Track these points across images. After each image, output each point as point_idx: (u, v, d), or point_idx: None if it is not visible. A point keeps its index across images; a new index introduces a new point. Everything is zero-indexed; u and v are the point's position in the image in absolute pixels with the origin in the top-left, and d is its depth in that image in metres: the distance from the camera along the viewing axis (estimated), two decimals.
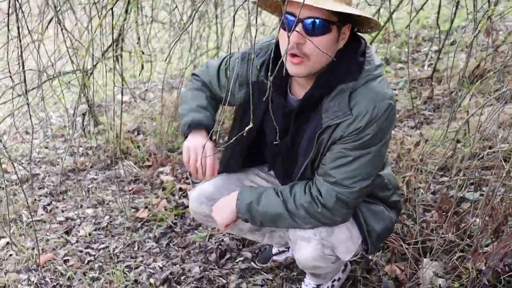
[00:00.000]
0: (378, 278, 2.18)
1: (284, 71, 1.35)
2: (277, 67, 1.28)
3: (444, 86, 3.31)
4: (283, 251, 2.40)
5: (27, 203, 2.29)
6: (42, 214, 3.02)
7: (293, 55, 1.51)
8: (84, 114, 3.19)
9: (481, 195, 2.37)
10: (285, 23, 1.46)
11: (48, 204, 3.13)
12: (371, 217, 1.82)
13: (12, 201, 3.13)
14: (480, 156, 2.53)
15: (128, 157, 3.49)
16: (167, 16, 3.73)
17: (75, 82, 2.99)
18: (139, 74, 1.55)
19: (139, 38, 1.57)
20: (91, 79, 2.80)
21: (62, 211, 3.05)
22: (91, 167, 3.48)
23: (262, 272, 2.37)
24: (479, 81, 2.10)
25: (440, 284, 2.05)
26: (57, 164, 3.54)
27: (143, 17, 3.70)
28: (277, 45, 1.60)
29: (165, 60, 1.64)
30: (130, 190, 3.12)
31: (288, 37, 1.27)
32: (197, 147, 1.80)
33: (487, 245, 2.10)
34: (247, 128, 1.35)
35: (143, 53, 1.53)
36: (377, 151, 1.61)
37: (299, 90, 1.71)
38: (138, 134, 3.79)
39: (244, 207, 1.76)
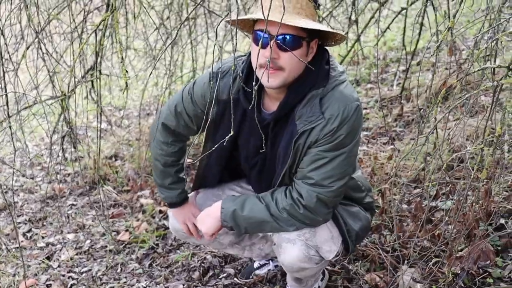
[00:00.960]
0: (359, 287, 2.25)
1: (254, 84, 1.42)
2: (255, 81, 1.39)
3: (413, 104, 3.46)
4: (264, 264, 2.46)
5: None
6: (22, 241, 3.02)
7: (267, 67, 1.61)
8: (63, 137, 3.22)
9: (453, 203, 2.48)
10: (258, 40, 1.59)
11: (28, 231, 3.14)
12: (349, 218, 1.93)
13: None
14: (450, 167, 2.65)
15: (107, 182, 3.52)
16: (141, 44, 3.82)
17: (51, 110, 3.03)
18: (123, 92, 1.63)
19: (122, 58, 1.64)
20: (71, 102, 2.85)
21: (43, 237, 3.06)
22: (70, 193, 3.50)
23: (245, 287, 2.42)
24: (442, 97, 2.23)
25: None
26: (35, 192, 3.55)
27: (117, 44, 3.77)
28: (250, 62, 1.74)
29: (144, 87, 1.72)
30: (110, 215, 3.15)
31: (258, 52, 1.44)
32: (185, 219, 2.11)
33: (461, 250, 2.20)
34: (227, 137, 1.46)
35: (127, 71, 1.60)
36: (350, 150, 1.73)
37: (270, 104, 1.81)
38: (116, 160, 3.83)
39: (229, 215, 1.83)
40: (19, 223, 3.21)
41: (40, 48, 2.10)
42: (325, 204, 1.77)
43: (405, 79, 3.54)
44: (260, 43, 1.44)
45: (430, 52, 4.00)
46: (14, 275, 2.68)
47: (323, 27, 1.64)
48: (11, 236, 3.08)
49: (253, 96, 1.36)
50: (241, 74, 1.76)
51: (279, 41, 1.60)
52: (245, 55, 1.86)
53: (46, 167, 3.79)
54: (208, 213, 1.91)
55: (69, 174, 3.72)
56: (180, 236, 2.23)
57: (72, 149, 3.65)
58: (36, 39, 2.04)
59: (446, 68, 3.59)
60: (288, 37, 1.60)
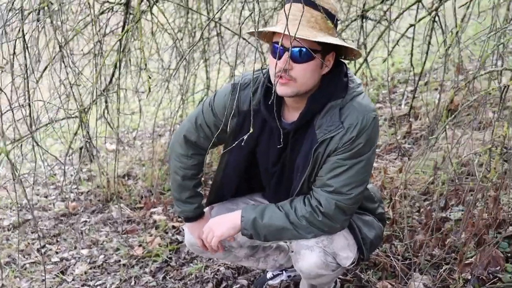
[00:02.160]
0: None
1: (273, 94, 1.55)
2: (274, 93, 1.50)
3: (421, 121, 3.55)
4: (278, 275, 2.51)
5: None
6: (36, 257, 3.09)
7: (281, 77, 1.71)
8: (81, 148, 3.32)
9: (462, 213, 2.55)
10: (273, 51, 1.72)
11: (42, 247, 3.20)
12: (363, 226, 1.99)
13: (6, 245, 3.20)
14: (458, 179, 2.72)
15: (120, 200, 3.60)
16: (155, 65, 3.95)
17: (67, 129, 3.13)
18: (147, 96, 1.72)
19: (145, 65, 1.74)
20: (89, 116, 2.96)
21: (56, 253, 3.13)
22: (83, 211, 3.58)
23: None
24: (453, 115, 2.32)
25: None
26: (49, 210, 3.63)
27: (131, 66, 3.89)
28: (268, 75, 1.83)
29: (157, 108, 1.81)
30: (124, 230, 3.22)
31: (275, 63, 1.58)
32: (201, 234, 2.08)
33: (471, 257, 2.26)
34: (246, 135, 1.54)
35: (150, 77, 1.70)
36: (368, 158, 1.80)
37: (290, 115, 1.89)
38: (128, 178, 3.92)
39: (249, 223, 1.88)
40: (33, 239, 3.28)
41: (63, 61, 2.20)
42: (343, 212, 1.84)
43: (413, 98, 3.64)
44: (277, 54, 1.59)
45: (437, 73, 4.12)
46: None
47: (333, 40, 1.71)
48: (25, 251, 3.15)
49: (273, 103, 1.45)
50: (263, 85, 1.85)
51: (292, 53, 1.68)
52: (265, 68, 1.96)
53: (60, 186, 3.88)
54: (224, 221, 1.96)
55: (82, 193, 3.81)
56: (195, 250, 2.28)
57: (88, 164, 3.74)
58: (60, 53, 2.14)
59: (453, 87, 3.69)
60: (300, 50, 1.69)
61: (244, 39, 2.48)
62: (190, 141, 2.07)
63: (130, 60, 3.87)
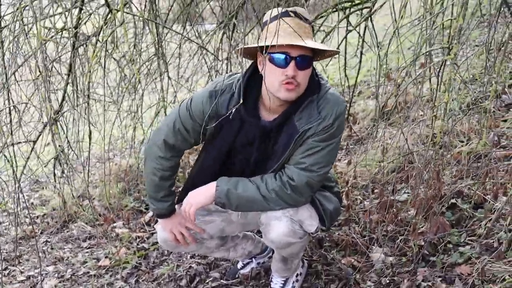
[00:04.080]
0: (338, 269, 2.56)
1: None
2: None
3: (359, 125, 3.91)
4: (248, 263, 2.72)
5: None
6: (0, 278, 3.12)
7: (288, 83, 1.97)
8: (55, 158, 3.40)
9: (408, 195, 2.88)
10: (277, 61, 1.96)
11: (5, 269, 3.23)
12: (323, 200, 2.26)
13: None
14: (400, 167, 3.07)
15: (77, 220, 3.69)
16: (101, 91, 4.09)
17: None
18: (135, 83, 1.90)
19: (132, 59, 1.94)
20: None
21: (21, 272, 3.17)
22: (41, 232, 3.63)
23: (233, 286, 2.66)
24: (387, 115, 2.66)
25: (391, 261, 2.48)
26: (6, 235, 3.65)
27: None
28: (246, 80, 2.08)
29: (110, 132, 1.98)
30: (86, 247, 3.32)
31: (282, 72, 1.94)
32: (172, 228, 2.36)
33: (422, 227, 2.57)
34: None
35: (138, 71, 1.90)
36: (337, 142, 2.11)
37: (267, 115, 2.14)
38: (83, 199, 4.00)
39: (223, 193, 2.11)
40: None
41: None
42: (311, 187, 2.10)
43: (349, 106, 3.99)
44: (286, 63, 1.94)
45: (369, 84, 4.53)
46: None
47: (324, 46, 2.00)
48: None
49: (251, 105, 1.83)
50: (239, 90, 2.08)
51: (297, 62, 1.94)
52: (237, 74, 2.20)
53: (13, 212, 3.90)
54: (200, 191, 2.18)
55: (37, 216, 3.85)
56: (168, 246, 2.46)
57: (38, 191, 3.79)
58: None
59: (385, 93, 4.09)
60: (305, 58, 1.96)
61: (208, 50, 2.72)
62: (169, 144, 2.25)
63: (77, 86, 4.00)
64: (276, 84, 1.98)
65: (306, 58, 1.96)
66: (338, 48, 3.49)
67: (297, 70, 1.96)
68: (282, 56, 1.94)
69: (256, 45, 1.98)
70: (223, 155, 2.23)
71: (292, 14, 1.94)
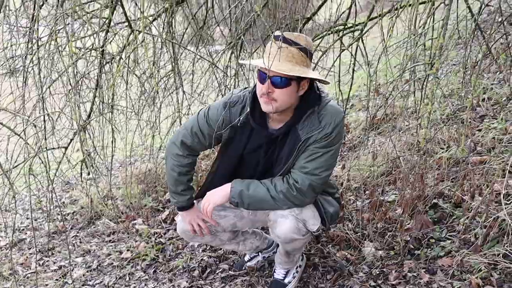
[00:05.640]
0: (333, 261, 2.54)
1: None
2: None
3: (352, 134, 3.90)
4: (254, 256, 2.71)
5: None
6: (35, 267, 3.11)
7: (264, 97, 1.99)
8: (82, 161, 3.41)
9: (395, 196, 2.86)
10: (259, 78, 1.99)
11: (39, 260, 3.23)
12: (325, 203, 2.25)
13: (6, 261, 3.20)
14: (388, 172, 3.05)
15: (102, 217, 3.68)
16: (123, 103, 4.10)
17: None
18: (155, 90, 1.90)
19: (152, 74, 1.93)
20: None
21: (54, 263, 3.16)
22: (71, 228, 3.62)
23: (240, 276, 2.65)
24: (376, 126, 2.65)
25: (380, 254, 2.46)
26: (41, 229, 3.65)
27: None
28: (254, 92, 2.09)
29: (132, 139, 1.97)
30: (110, 241, 3.31)
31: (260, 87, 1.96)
32: (191, 220, 2.38)
33: (408, 224, 2.56)
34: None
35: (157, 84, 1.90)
36: (336, 148, 2.09)
37: (274, 123, 2.15)
38: (107, 199, 3.99)
39: (237, 193, 2.11)
40: (30, 254, 3.30)
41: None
42: (313, 189, 2.09)
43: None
44: (262, 80, 1.94)
45: (360, 98, 4.52)
46: None
47: (302, 73, 1.94)
48: (25, 264, 3.17)
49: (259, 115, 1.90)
50: (250, 102, 2.10)
51: (272, 81, 1.95)
52: (249, 88, 2.21)
53: (46, 210, 3.91)
54: (217, 191, 2.18)
55: (68, 214, 3.85)
56: (186, 236, 2.46)
57: (68, 191, 3.79)
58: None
59: (374, 106, 4.08)
60: (279, 78, 1.95)
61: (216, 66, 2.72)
62: (186, 145, 2.27)
63: (103, 98, 4.01)
64: (259, 97, 2.02)
65: (282, 78, 1.94)
66: (332, 65, 3.51)
67: (272, 88, 1.96)
68: (263, 75, 1.96)
69: (247, 62, 2.16)
70: (235, 160, 2.24)
71: (279, 39, 1.92)
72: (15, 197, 2.08)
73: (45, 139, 2.95)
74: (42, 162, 2.16)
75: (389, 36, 2.20)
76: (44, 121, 3.07)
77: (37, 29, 2.60)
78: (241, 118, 2.07)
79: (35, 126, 2.14)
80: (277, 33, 1.94)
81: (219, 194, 2.17)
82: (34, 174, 2.97)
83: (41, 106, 2.87)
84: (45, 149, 2.87)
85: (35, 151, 2.10)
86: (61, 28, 2.84)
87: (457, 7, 2.68)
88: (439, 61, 1.93)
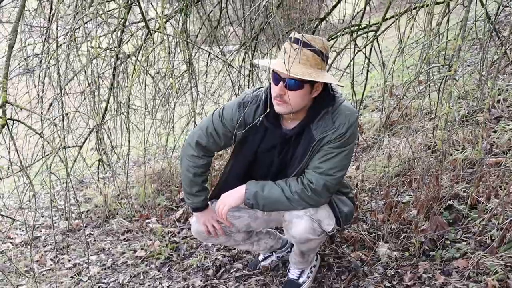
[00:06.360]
0: (348, 262, 2.54)
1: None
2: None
3: (365, 135, 3.89)
4: (268, 256, 2.72)
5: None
6: (51, 265, 3.15)
7: (276, 99, 2.00)
8: (99, 160, 3.44)
9: (410, 197, 2.86)
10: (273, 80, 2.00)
11: (54, 257, 3.26)
12: (340, 203, 2.25)
13: (22, 258, 3.24)
14: (402, 172, 3.05)
15: (116, 216, 3.71)
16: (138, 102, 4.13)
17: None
18: (172, 89, 1.92)
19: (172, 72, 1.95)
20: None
21: (69, 260, 3.19)
22: (86, 226, 3.66)
23: (254, 276, 2.65)
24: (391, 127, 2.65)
25: (395, 255, 2.46)
26: (56, 227, 3.69)
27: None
28: (268, 92, 2.10)
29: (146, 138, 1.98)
30: (124, 239, 3.33)
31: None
32: (206, 221, 2.38)
33: (422, 225, 2.55)
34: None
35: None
36: (350, 148, 2.09)
37: (288, 123, 2.15)
38: (121, 198, 4.02)
39: (252, 194, 2.11)
40: (46, 251, 3.34)
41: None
42: (328, 189, 2.09)
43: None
44: (275, 82, 1.95)
45: (373, 98, 4.51)
46: None
47: (316, 77, 1.93)
48: (40, 262, 3.20)
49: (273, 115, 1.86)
50: (264, 102, 2.11)
51: (285, 83, 1.95)
52: (262, 87, 2.21)
53: (62, 209, 3.95)
54: (232, 193, 2.18)
55: (82, 212, 3.88)
56: (200, 237, 2.47)
57: (82, 190, 3.82)
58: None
59: (389, 106, 4.07)
60: (292, 81, 1.95)
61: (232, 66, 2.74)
62: (201, 145, 2.28)
63: (118, 98, 4.04)
64: (272, 98, 2.02)
65: (295, 81, 1.94)
66: (347, 67, 3.51)
67: (285, 90, 1.96)
68: (276, 76, 1.97)
69: (260, 62, 2.13)
70: (249, 160, 2.25)
71: (295, 41, 1.91)
72: (35, 196, 2.09)
73: (64, 137, 2.98)
74: (62, 160, 2.17)
75: (407, 38, 2.20)
76: (63, 120, 3.09)
77: (56, 28, 2.62)
78: (259, 118, 2.07)
79: (55, 125, 2.14)
80: (295, 35, 1.95)
81: (234, 196, 2.17)
82: (52, 172, 3.01)
83: (60, 105, 2.90)
84: (63, 148, 2.90)
85: (55, 149, 2.12)
86: (78, 28, 2.86)
87: (475, 8, 2.67)
88: (457, 63, 1.92)
